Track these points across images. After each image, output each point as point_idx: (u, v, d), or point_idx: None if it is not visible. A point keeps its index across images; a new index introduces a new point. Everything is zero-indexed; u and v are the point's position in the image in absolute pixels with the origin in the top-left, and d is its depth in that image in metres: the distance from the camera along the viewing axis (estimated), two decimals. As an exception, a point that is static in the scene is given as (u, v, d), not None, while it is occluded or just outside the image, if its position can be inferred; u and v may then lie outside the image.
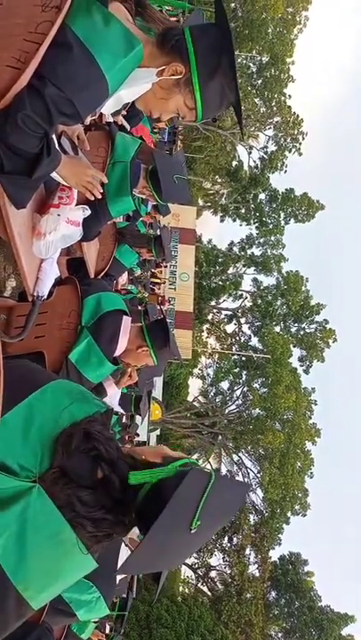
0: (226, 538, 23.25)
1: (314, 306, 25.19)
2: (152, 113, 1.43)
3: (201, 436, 24.66)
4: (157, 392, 16.57)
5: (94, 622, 2.95)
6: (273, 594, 23.69)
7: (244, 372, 24.60)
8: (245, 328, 27.04)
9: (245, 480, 22.99)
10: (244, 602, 20.68)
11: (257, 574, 22.71)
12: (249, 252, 27.39)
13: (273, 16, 22.99)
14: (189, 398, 26.44)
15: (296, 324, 25.85)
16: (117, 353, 2.18)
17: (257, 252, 27.32)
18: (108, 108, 1.45)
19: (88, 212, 1.77)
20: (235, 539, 23.21)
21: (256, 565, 23.06)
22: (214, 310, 28.13)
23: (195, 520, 0.91)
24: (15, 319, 2.00)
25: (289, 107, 25.03)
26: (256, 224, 26.98)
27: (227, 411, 24.92)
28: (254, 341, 25.99)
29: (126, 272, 5.05)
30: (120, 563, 2.12)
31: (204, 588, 23.79)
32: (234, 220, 27.87)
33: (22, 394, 0.99)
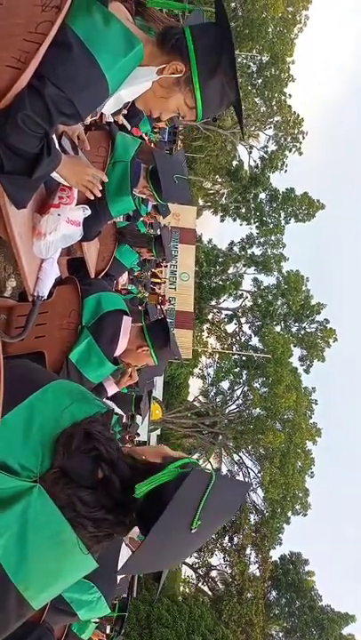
0: (226, 537, 23.26)
1: (314, 305, 25.19)
2: (152, 112, 1.43)
3: (201, 436, 24.66)
4: (158, 392, 16.57)
5: (95, 622, 2.95)
6: (274, 593, 23.70)
7: (245, 372, 24.60)
8: (246, 328, 27.07)
9: (246, 480, 23.00)
10: (244, 601, 20.69)
11: (258, 574, 22.72)
12: (249, 251, 27.41)
13: (273, 15, 22.97)
14: (190, 398, 26.44)
15: (297, 324, 25.85)
16: (118, 353, 2.18)
17: (257, 251, 27.36)
18: (108, 108, 1.45)
19: (88, 212, 1.77)
20: (235, 538, 23.21)
21: (257, 565, 23.08)
22: (215, 310, 28.13)
23: (195, 520, 0.91)
24: (15, 319, 2.00)
25: (289, 106, 25.03)
26: (256, 224, 26.98)
27: (227, 410, 24.92)
28: (255, 341, 26.03)
29: (126, 272, 5.05)
30: (120, 562, 2.12)
31: (205, 588, 23.80)
32: (234, 220, 27.88)
33: (23, 394, 0.99)
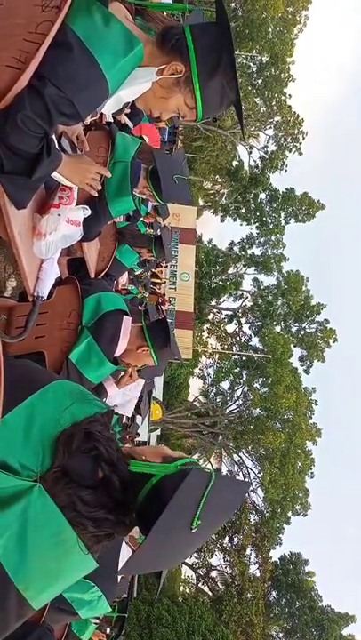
0: (226, 538, 23.25)
1: (314, 305, 25.19)
2: (152, 112, 1.43)
3: (201, 436, 24.66)
4: (158, 392, 16.57)
5: (95, 623, 2.95)
6: (274, 594, 23.69)
7: (245, 372, 24.60)
8: (246, 328, 27.07)
9: (246, 480, 22.99)
10: (244, 602, 20.68)
11: (258, 574, 22.71)
12: (249, 251, 27.40)
13: (273, 15, 22.98)
14: (190, 398, 26.44)
15: (297, 324, 25.85)
16: (118, 353, 2.18)
17: (257, 251, 27.36)
18: (108, 108, 1.45)
19: (88, 212, 1.77)
20: (235, 539, 23.20)
21: (257, 565, 23.06)
22: (215, 310, 28.13)
23: (195, 519, 0.91)
24: (16, 319, 2.00)
25: (289, 106, 25.03)
26: (256, 224, 26.98)
27: (227, 411, 24.92)
28: (255, 341, 26.02)
29: (127, 272, 5.05)
30: (121, 561, 2.13)
31: (205, 588, 23.79)
32: (234, 220, 27.88)
33: (23, 394, 1.00)
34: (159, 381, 16.78)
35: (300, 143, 25.33)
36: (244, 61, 24.28)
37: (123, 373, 2.51)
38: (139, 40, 1.18)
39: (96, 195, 1.74)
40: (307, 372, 25.18)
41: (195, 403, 26.19)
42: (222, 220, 28.30)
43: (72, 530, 0.92)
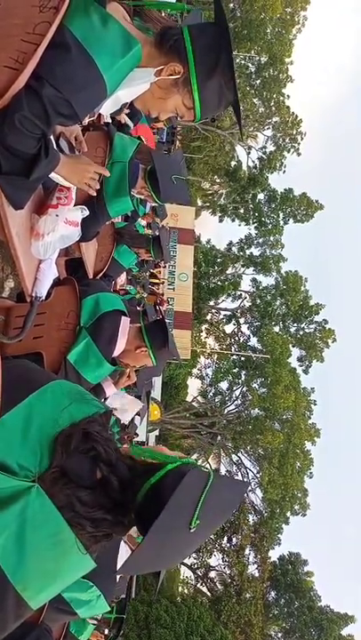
0: (225, 538, 23.25)
1: (313, 306, 25.20)
2: (150, 112, 1.43)
3: (200, 437, 24.66)
4: (156, 392, 16.56)
5: (93, 624, 2.95)
6: (272, 594, 23.69)
7: (244, 372, 24.60)
8: (244, 328, 27.06)
9: (245, 480, 22.99)
10: (243, 602, 20.68)
11: (256, 574, 22.71)
12: (248, 252, 27.40)
13: (271, 16, 23.00)
14: (188, 398, 26.44)
15: (295, 324, 25.86)
16: (116, 353, 2.18)
17: (256, 252, 27.35)
18: (106, 109, 1.45)
19: (86, 213, 1.77)
20: (234, 539, 23.20)
21: (255, 565, 23.07)
22: (213, 310, 28.12)
23: (194, 519, 0.91)
24: (13, 320, 2.00)
25: (288, 107, 25.04)
26: (255, 224, 26.98)
27: (226, 411, 24.92)
28: (253, 341, 26.02)
29: (125, 272, 5.05)
30: (119, 560, 2.13)
31: (204, 589, 23.78)
32: (233, 220, 27.88)
33: (22, 394, 1.00)
34: (158, 382, 16.77)
35: (299, 144, 25.37)
36: (243, 62, 24.30)
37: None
38: (137, 41, 1.19)
39: (94, 195, 1.74)
40: (305, 372, 25.21)
41: (193, 403, 26.19)
42: (221, 221, 28.33)
43: (70, 530, 0.92)
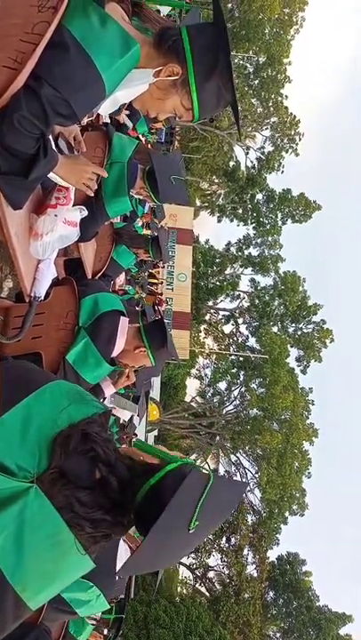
0: (224, 538, 23.25)
1: (311, 306, 25.23)
2: (149, 113, 1.43)
3: (199, 437, 24.66)
4: (155, 392, 16.56)
5: (92, 624, 2.95)
6: (271, 594, 23.70)
7: (242, 373, 24.61)
8: (243, 328, 27.09)
9: (243, 480, 23.00)
10: (242, 602, 20.69)
11: (255, 574, 22.71)
12: (246, 252, 27.43)
13: (270, 17, 23.03)
14: (187, 399, 26.44)
15: (293, 325, 25.89)
16: (115, 354, 2.18)
17: (254, 252, 27.38)
18: (104, 109, 1.45)
19: (85, 213, 1.77)
20: (233, 539, 23.20)
21: (254, 565, 23.08)
22: (212, 311, 28.14)
23: (193, 521, 0.91)
24: (12, 320, 2.00)
25: (286, 107, 25.08)
26: (253, 224, 27.01)
27: (224, 411, 24.93)
28: (252, 342, 26.05)
29: (124, 272, 5.05)
30: (118, 558, 2.12)
31: (202, 589, 23.78)
32: (231, 221, 27.90)
33: (20, 394, 0.99)
34: (156, 382, 16.78)
35: (297, 144, 25.40)
36: (241, 62, 24.32)
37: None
38: (135, 41, 1.19)
39: (92, 195, 1.74)
40: (304, 372, 25.24)
41: (192, 403, 26.20)
42: (219, 221, 28.34)
43: (69, 531, 0.92)
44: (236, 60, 23.08)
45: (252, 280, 27.00)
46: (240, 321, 27.16)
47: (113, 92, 1.23)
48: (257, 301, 26.23)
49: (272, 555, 23.94)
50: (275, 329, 25.34)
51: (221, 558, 23.38)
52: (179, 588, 24.12)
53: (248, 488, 22.45)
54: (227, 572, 22.91)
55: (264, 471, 21.64)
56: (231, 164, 27.10)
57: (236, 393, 25.09)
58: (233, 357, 25.75)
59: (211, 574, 23.88)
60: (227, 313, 27.56)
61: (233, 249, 27.70)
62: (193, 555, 22.67)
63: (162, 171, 2.69)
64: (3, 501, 0.89)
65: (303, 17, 24.66)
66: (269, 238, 26.78)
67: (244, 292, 27.25)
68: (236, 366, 25.19)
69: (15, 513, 0.89)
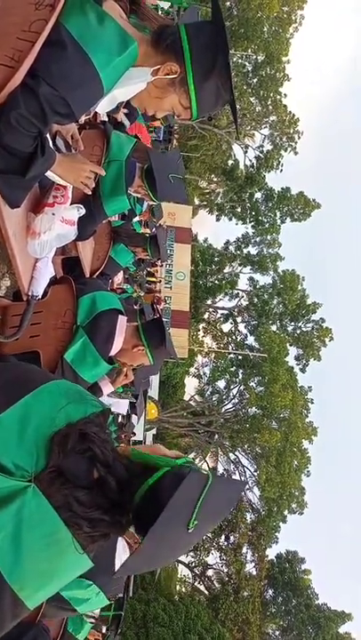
0: (223, 536, 23.30)
1: (310, 304, 25.25)
2: (147, 111, 1.43)
3: (197, 435, 24.68)
4: (153, 391, 16.58)
5: (91, 622, 2.95)
6: (270, 592, 23.76)
7: (241, 371, 24.63)
8: (242, 327, 27.10)
9: (242, 479, 23.03)
10: (241, 600, 20.73)
11: (254, 573, 22.76)
12: (245, 250, 27.42)
13: (268, 15, 22.99)
14: (186, 397, 26.45)
15: (292, 323, 25.91)
16: (113, 352, 2.18)
17: (253, 250, 27.37)
18: (102, 108, 1.45)
19: (83, 211, 1.77)
20: (232, 537, 23.25)
21: (253, 564, 23.12)
22: (210, 309, 28.14)
23: (192, 520, 0.91)
24: (10, 319, 2.00)
25: (285, 106, 25.05)
26: (252, 223, 27.00)
27: (223, 409, 24.95)
28: (251, 340, 26.06)
29: (122, 271, 5.05)
30: (116, 554, 2.13)
31: (201, 587, 23.82)
32: (230, 219, 27.88)
33: (19, 394, 0.99)
34: (155, 380, 16.80)
35: (296, 142, 25.38)
36: (240, 60, 24.28)
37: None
38: (133, 39, 1.18)
39: (90, 193, 1.74)
40: (303, 370, 25.26)
41: (191, 402, 26.21)
42: (218, 220, 28.32)
43: (67, 530, 0.92)
44: (234, 59, 23.05)
45: (251, 279, 27.04)
46: (239, 319, 27.17)
47: (111, 90, 1.23)
48: (256, 300, 26.24)
49: (271, 553, 24.02)
50: (274, 327, 25.35)
51: (220, 556, 23.44)
52: (178, 587, 24.16)
53: (247, 486, 22.47)
54: (226, 571, 22.95)
55: (263, 469, 21.66)
56: (230, 162, 27.07)
57: (234, 391, 25.12)
58: (232, 356, 25.76)
59: (210, 572, 23.93)
60: (225, 311, 27.57)
61: (232, 247, 27.70)
62: (192, 553, 22.70)
63: (160, 169, 2.68)
64: (1, 500, 0.89)
65: (302, 15, 24.65)
66: (268, 237, 26.78)
67: (242, 291, 27.26)
68: (234, 365, 25.20)
69: (13, 512, 0.89)
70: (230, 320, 27.36)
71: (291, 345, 24.90)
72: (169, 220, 18.16)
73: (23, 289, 1.71)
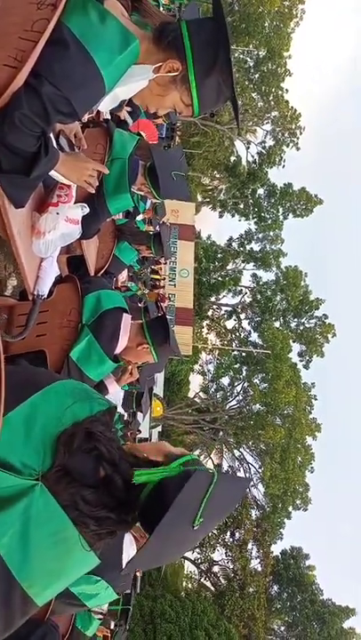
0: (228, 533, 23.35)
1: (313, 301, 25.18)
2: (149, 108, 1.43)
3: (202, 432, 24.71)
4: (158, 388, 16.60)
5: (99, 619, 2.97)
6: (275, 588, 23.83)
7: (245, 368, 24.62)
8: (245, 324, 27.08)
9: (247, 475, 23.07)
10: (246, 596, 20.80)
11: (259, 569, 22.82)
12: (248, 247, 27.36)
13: (269, 10, 22.88)
14: (190, 394, 26.48)
15: (295, 319, 25.86)
16: (118, 350, 2.18)
17: (256, 247, 27.32)
18: (104, 106, 1.45)
19: (87, 210, 1.77)
20: (237, 534, 23.30)
21: (258, 560, 23.18)
22: (214, 306, 28.13)
23: (197, 518, 0.92)
24: (16, 318, 2.01)
25: (286, 101, 24.94)
26: (255, 219, 26.92)
27: (227, 406, 24.96)
28: (254, 337, 26.03)
29: (126, 269, 5.05)
30: (124, 548, 2.14)
31: (208, 583, 23.91)
32: (233, 216, 27.82)
33: (27, 394, 1.00)
34: (160, 378, 16.81)
35: (298, 138, 25.27)
36: (241, 56, 24.18)
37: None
38: (135, 37, 1.18)
39: (94, 192, 1.74)
40: (306, 367, 25.22)
41: (195, 399, 26.24)
42: (221, 216, 28.27)
43: (74, 527, 0.92)
44: (236, 54, 22.96)
45: (254, 275, 26.99)
46: (242, 316, 27.15)
47: (113, 88, 1.23)
48: (259, 297, 26.19)
49: (276, 549, 24.09)
50: (277, 324, 25.31)
51: (226, 553, 23.49)
52: (184, 583, 24.26)
53: (251, 483, 22.49)
54: (231, 567, 23.02)
55: (267, 466, 21.68)
56: (232, 158, 26.99)
57: (238, 388, 25.13)
58: (235, 353, 25.75)
59: (215, 569, 24.01)
60: (229, 308, 27.55)
61: (235, 244, 27.64)
62: (198, 549, 22.77)
63: (163, 167, 2.68)
64: (8, 499, 0.90)
65: (303, 9, 24.49)
66: (271, 233, 26.70)
67: (246, 288, 27.22)
68: (238, 362, 25.19)
69: (21, 510, 0.89)
70: (234, 317, 27.34)
71: (294, 341, 24.87)
72: (172, 218, 18.14)
73: (29, 288, 1.71)
